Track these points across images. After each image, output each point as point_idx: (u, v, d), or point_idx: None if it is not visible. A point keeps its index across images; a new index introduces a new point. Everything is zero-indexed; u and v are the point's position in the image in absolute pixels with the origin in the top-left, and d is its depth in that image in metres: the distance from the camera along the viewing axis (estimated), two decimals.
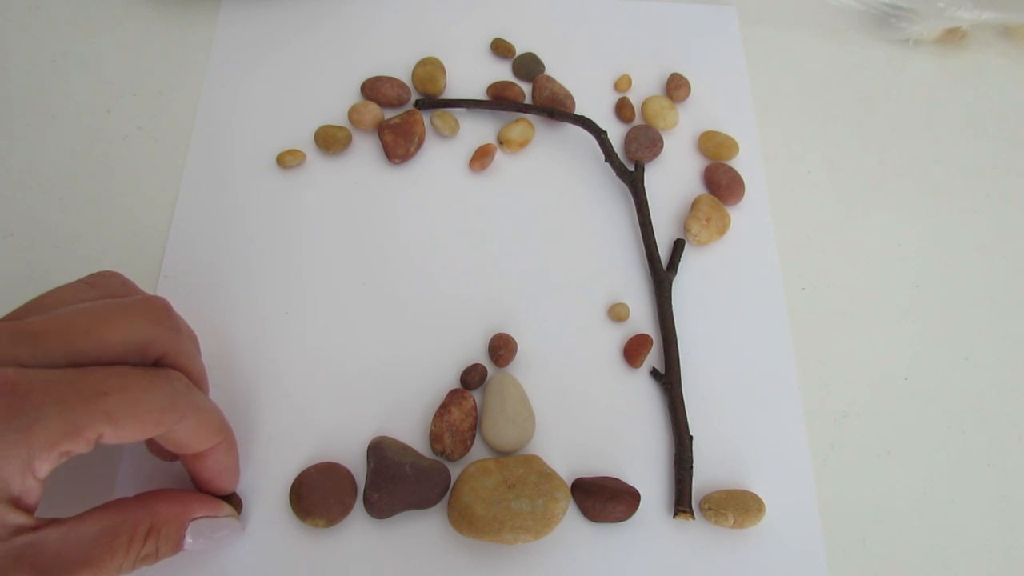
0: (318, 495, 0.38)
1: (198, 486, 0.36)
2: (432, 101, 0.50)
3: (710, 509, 0.40)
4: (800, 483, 0.42)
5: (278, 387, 0.42)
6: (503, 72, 0.53)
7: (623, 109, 0.51)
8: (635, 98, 0.52)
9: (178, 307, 0.43)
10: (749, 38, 0.56)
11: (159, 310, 0.33)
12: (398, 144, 0.48)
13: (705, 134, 0.51)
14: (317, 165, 0.48)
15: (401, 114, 0.49)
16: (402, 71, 0.52)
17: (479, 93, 0.52)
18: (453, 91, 0.52)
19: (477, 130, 0.50)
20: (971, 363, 0.46)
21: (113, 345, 0.30)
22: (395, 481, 0.38)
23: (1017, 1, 0.53)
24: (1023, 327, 0.47)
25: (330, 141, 0.48)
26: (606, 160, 0.49)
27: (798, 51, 0.56)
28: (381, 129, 0.49)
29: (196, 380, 0.34)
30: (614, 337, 0.45)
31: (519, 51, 0.54)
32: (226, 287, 0.44)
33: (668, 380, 0.43)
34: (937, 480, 0.43)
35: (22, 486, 0.27)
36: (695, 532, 0.40)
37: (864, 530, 0.41)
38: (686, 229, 0.47)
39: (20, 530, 0.28)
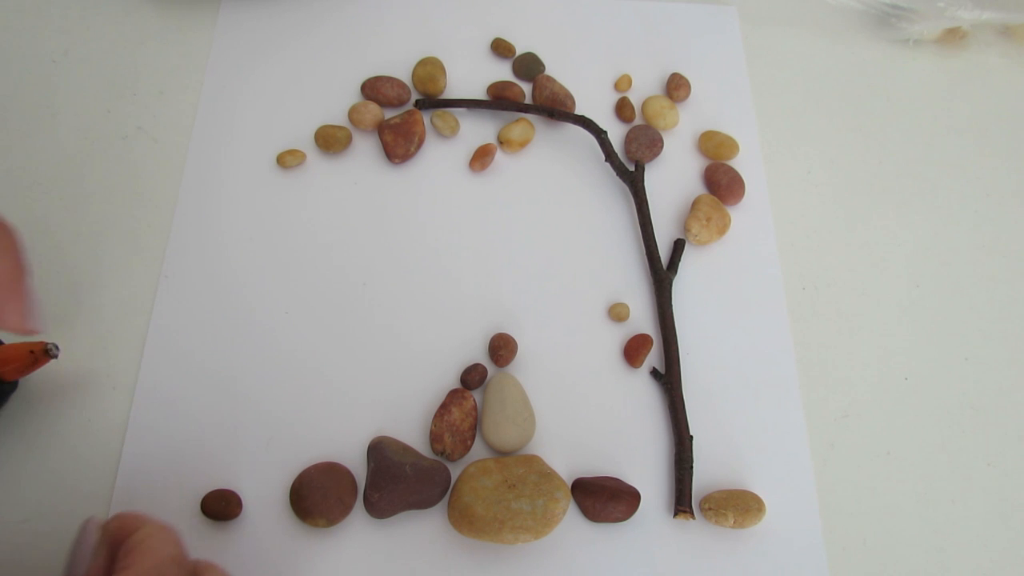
0: (318, 495, 0.38)
1: None
2: (432, 101, 0.50)
3: (710, 509, 0.40)
4: (800, 483, 0.42)
5: (278, 387, 0.42)
6: (503, 72, 0.53)
7: (623, 109, 0.51)
8: (635, 98, 0.52)
9: (178, 307, 0.44)
10: (749, 38, 0.56)
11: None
12: (398, 144, 0.48)
13: (705, 134, 0.51)
14: (317, 165, 0.48)
15: (401, 114, 0.49)
16: (402, 71, 0.52)
17: (479, 93, 0.52)
18: (453, 91, 0.52)
19: (477, 130, 0.50)
20: (971, 363, 0.46)
21: None
22: (395, 481, 0.38)
23: (1017, 1, 0.53)
24: (1023, 327, 0.47)
25: (330, 141, 0.48)
26: (606, 160, 0.49)
27: (798, 51, 0.56)
28: (381, 129, 0.49)
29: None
30: (614, 337, 0.45)
31: (519, 51, 0.54)
32: (226, 287, 0.44)
33: (668, 380, 0.43)
34: (937, 480, 0.43)
35: None
36: (695, 532, 0.40)
37: (864, 530, 0.41)
38: (686, 229, 0.47)
39: None
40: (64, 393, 0.41)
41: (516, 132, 0.49)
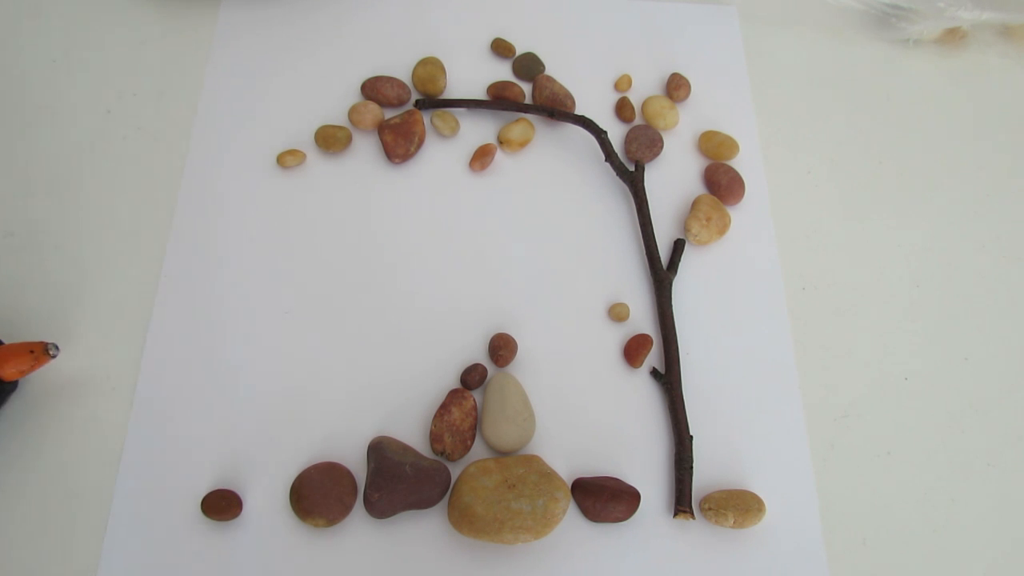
0: (318, 495, 0.38)
1: None
2: (432, 101, 0.50)
3: (710, 509, 0.40)
4: (800, 483, 0.42)
5: (278, 387, 0.42)
6: (503, 72, 0.53)
7: (623, 109, 0.51)
8: (635, 98, 0.52)
9: (178, 307, 0.44)
10: (749, 38, 0.56)
11: None
12: (398, 144, 0.48)
13: (705, 134, 0.51)
14: (317, 165, 0.48)
15: (401, 114, 0.49)
16: (402, 71, 0.52)
17: (479, 93, 0.52)
18: (453, 91, 0.52)
19: (477, 130, 0.50)
20: (971, 363, 0.46)
21: None
22: (395, 481, 0.38)
23: (1017, 1, 0.53)
24: (1023, 327, 0.47)
25: (330, 141, 0.48)
26: (606, 160, 0.49)
27: (798, 51, 0.56)
28: (381, 129, 0.49)
29: None
30: (614, 337, 0.45)
31: (519, 51, 0.54)
32: (226, 287, 0.44)
33: (668, 380, 0.43)
34: (937, 480, 0.43)
35: None
36: (695, 532, 0.40)
37: (864, 530, 0.41)
38: (686, 229, 0.47)
39: None
40: (64, 393, 0.41)
41: (516, 132, 0.49)
